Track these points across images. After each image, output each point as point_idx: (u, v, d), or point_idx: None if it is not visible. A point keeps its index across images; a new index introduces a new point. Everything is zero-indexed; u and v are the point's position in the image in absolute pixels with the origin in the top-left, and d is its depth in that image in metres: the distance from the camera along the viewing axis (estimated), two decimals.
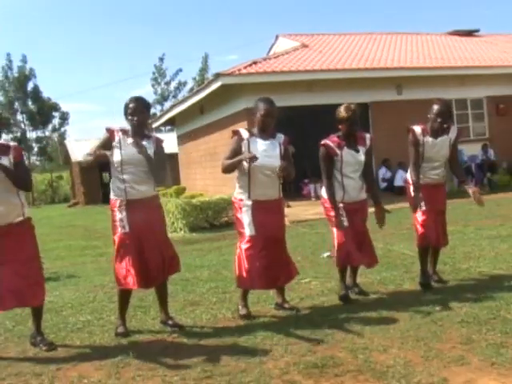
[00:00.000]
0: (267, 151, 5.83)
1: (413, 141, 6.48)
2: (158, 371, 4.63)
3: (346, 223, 6.16)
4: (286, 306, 6.11)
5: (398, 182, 17.54)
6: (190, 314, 6.21)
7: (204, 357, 4.88)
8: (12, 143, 5.41)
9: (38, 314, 5.51)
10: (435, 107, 6.42)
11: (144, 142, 5.59)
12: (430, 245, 6.66)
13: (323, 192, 6.38)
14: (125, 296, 5.74)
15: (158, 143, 5.77)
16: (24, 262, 5.23)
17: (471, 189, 6.51)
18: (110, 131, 5.67)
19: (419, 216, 6.53)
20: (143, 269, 5.49)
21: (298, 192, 19.59)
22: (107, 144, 5.75)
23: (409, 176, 6.65)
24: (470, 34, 27.43)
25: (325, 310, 6.00)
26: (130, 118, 5.64)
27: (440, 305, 5.83)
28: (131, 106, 5.63)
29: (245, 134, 5.92)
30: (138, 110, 5.62)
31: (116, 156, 5.58)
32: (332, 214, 6.21)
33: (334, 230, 6.24)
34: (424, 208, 6.48)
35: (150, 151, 5.60)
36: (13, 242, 5.20)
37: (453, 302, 5.89)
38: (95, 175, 38.46)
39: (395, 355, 4.59)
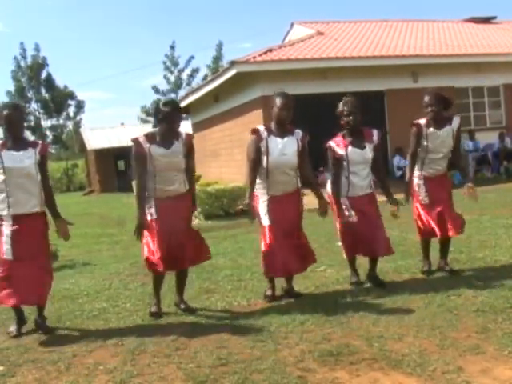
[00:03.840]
0: (284, 149, 5.93)
1: (416, 132, 6.50)
2: (173, 358, 4.66)
3: (353, 218, 6.27)
4: (292, 294, 6.22)
5: None
6: (205, 302, 6.24)
7: (219, 344, 4.90)
8: (40, 141, 5.80)
9: (41, 309, 5.67)
10: (425, 98, 6.50)
11: (172, 147, 5.66)
12: (431, 237, 6.71)
13: (328, 187, 6.48)
14: (158, 278, 5.93)
15: (189, 141, 5.83)
16: (35, 260, 5.48)
17: (467, 185, 6.56)
18: (139, 145, 5.64)
19: (418, 209, 6.64)
20: (170, 252, 5.60)
21: None
22: (143, 158, 5.65)
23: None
24: (486, 21, 27.12)
25: (340, 299, 6.00)
26: (164, 124, 5.64)
27: (455, 294, 5.81)
28: (167, 111, 5.62)
29: (263, 133, 5.98)
30: (174, 116, 5.66)
31: (148, 167, 5.65)
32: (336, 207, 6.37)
33: (337, 223, 6.46)
34: (427, 201, 6.52)
35: (180, 152, 5.70)
36: (26, 237, 5.45)
37: (468, 291, 5.86)
38: (110, 163, 38.65)
39: (410, 344, 4.59)
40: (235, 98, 20.57)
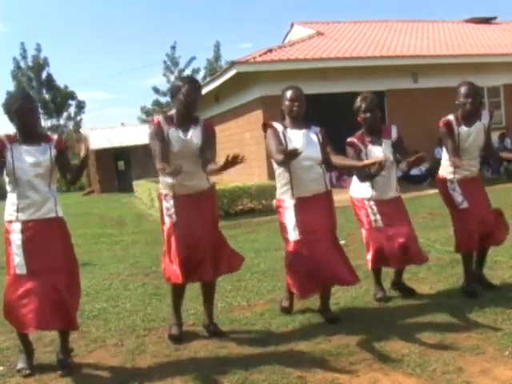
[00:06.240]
0: (305, 141, 5.26)
1: (448, 131, 5.76)
2: (172, 359, 4.67)
3: (380, 223, 5.69)
4: (326, 315, 5.45)
5: (413, 171, 17.42)
6: None
7: (218, 344, 4.91)
8: (55, 135, 4.88)
9: (64, 336, 4.77)
10: (463, 89, 5.75)
11: (190, 133, 4.98)
12: (472, 249, 5.92)
13: (352, 191, 5.94)
14: (177, 291, 5.20)
15: (208, 128, 5.15)
16: (56, 274, 4.56)
17: None
18: (156, 122, 4.97)
19: (459, 216, 5.88)
20: (191, 261, 4.94)
21: None
22: (161, 135, 4.92)
23: (443, 172, 5.99)
24: (487, 21, 27.15)
25: (339, 299, 5.99)
26: (182, 99, 4.94)
27: (455, 294, 5.81)
28: (186, 86, 4.93)
29: (278, 126, 5.35)
30: (191, 91, 4.95)
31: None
32: (362, 212, 5.78)
33: (363, 230, 5.81)
34: (466, 205, 5.79)
35: (197, 138, 5.00)
36: (43, 246, 4.56)
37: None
38: (110, 163, 38.58)
39: (410, 344, 4.59)
40: (235, 98, 20.57)
